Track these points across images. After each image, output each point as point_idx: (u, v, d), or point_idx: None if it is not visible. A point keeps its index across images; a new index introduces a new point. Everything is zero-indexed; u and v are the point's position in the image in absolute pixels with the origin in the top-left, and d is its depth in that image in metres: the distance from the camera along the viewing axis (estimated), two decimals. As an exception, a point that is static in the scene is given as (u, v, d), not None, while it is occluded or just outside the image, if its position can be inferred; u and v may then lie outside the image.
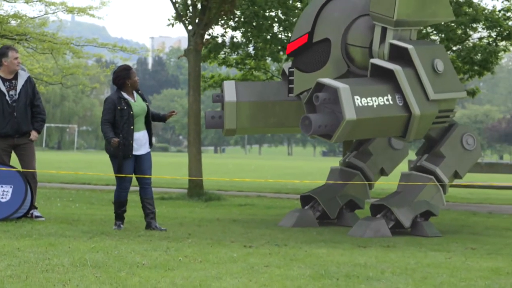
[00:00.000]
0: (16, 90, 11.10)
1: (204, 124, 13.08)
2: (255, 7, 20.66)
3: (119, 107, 10.37)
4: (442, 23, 12.81)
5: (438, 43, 22.04)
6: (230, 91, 12.18)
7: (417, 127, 10.92)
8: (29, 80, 11.24)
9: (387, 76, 10.95)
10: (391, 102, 10.74)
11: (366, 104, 10.49)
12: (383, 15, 11.11)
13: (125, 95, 10.49)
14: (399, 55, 11.10)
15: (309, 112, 10.79)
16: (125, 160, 10.40)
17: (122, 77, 10.51)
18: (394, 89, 10.83)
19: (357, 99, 10.42)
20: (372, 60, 11.12)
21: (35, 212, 11.16)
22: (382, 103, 10.66)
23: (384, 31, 11.22)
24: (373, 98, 10.60)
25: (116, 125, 10.37)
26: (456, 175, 11.74)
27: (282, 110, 12.43)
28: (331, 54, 11.61)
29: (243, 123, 12.22)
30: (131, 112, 10.42)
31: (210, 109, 12.99)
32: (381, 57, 11.22)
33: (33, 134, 11.26)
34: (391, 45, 11.13)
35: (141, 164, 10.58)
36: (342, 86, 10.38)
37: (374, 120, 10.61)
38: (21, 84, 11.14)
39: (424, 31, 21.19)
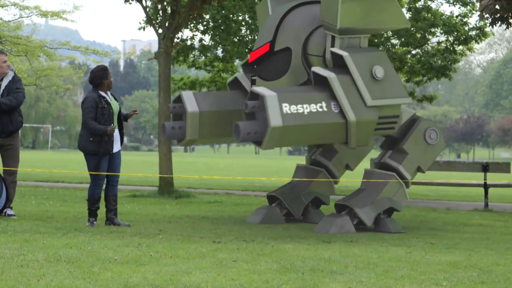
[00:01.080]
0: None
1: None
2: (225, 12, 20.91)
3: (100, 106, 10.48)
4: (402, 28, 12.86)
5: (398, 47, 22.45)
6: (190, 102, 11.98)
7: (356, 134, 10.79)
8: (12, 79, 11.27)
9: (325, 84, 10.92)
10: (325, 109, 10.65)
11: (295, 111, 10.40)
12: (330, 24, 11.13)
13: (103, 94, 10.63)
14: (341, 62, 11.07)
15: (248, 119, 10.76)
16: (104, 157, 10.52)
17: (100, 77, 10.63)
18: (330, 96, 10.77)
19: (285, 106, 10.35)
20: (313, 68, 11.12)
21: (9, 211, 11.25)
22: (314, 110, 10.57)
23: (334, 39, 11.26)
24: (304, 105, 10.51)
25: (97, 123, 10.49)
26: (419, 170, 11.76)
27: (239, 119, 12.30)
28: (291, 63, 11.68)
29: (204, 133, 12.07)
30: (111, 110, 10.57)
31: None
32: (331, 65, 11.25)
33: None
34: (332, 53, 11.14)
35: (113, 162, 10.71)
36: (268, 94, 10.35)
37: (305, 127, 10.52)
38: (5, 84, 11.21)
39: (385, 35, 21.58)
